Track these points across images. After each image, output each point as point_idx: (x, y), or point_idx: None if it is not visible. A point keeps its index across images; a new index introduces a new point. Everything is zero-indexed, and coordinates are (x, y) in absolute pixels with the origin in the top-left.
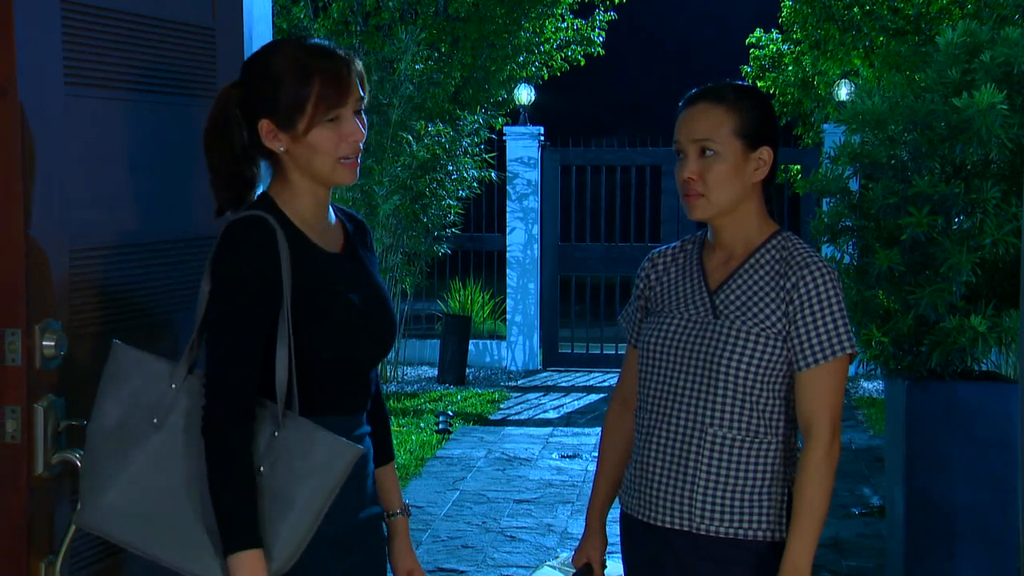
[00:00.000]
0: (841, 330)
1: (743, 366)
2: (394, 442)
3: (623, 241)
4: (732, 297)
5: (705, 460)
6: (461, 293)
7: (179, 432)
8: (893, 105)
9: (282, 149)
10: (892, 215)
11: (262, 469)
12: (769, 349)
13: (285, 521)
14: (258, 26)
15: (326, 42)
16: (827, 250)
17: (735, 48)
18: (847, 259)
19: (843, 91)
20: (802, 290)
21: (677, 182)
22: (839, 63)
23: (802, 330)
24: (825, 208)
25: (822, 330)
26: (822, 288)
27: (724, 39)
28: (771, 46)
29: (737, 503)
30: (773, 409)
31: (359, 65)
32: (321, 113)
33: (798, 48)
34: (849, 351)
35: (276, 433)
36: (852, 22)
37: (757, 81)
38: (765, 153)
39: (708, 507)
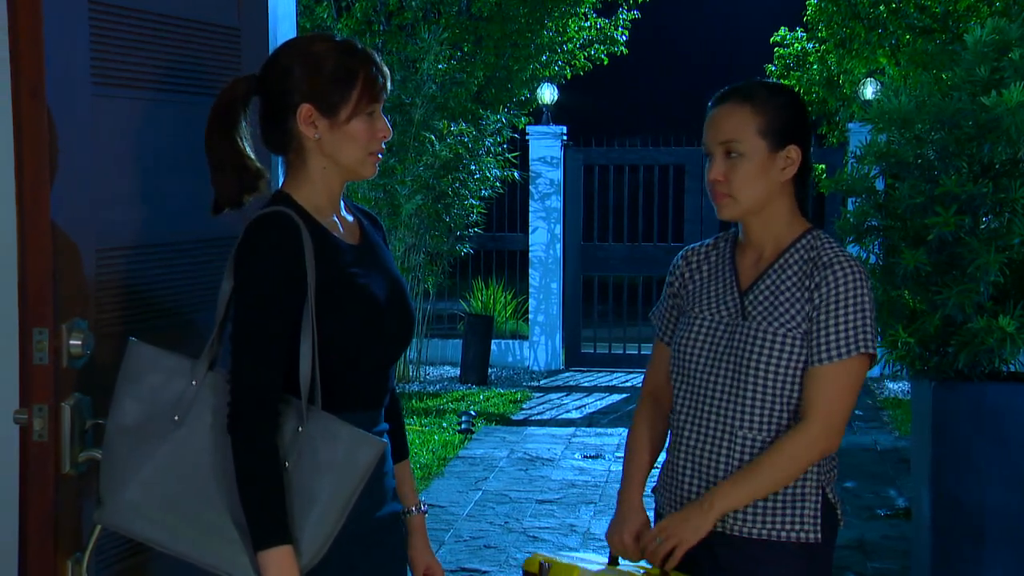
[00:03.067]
0: (859, 329)
1: (771, 369)
2: (417, 442)
3: (646, 241)
4: (761, 298)
5: (736, 463)
6: (483, 293)
7: (204, 429)
8: (920, 104)
9: (317, 136)
10: (919, 215)
11: (287, 465)
12: (796, 351)
13: (311, 516)
14: (282, 26)
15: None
16: (853, 249)
17: (760, 47)
18: (873, 259)
19: (869, 90)
20: (823, 289)
21: (707, 184)
22: (865, 62)
23: (817, 326)
24: (851, 208)
25: (839, 327)
26: (843, 287)
27: (749, 38)
28: (796, 45)
29: (769, 506)
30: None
31: (387, 70)
32: (364, 105)
33: (823, 47)
34: (863, 350)
35: (300, 428)
36: (878, 20)
37: (782, 80)
38: (793, 152)
39: (740, 510)
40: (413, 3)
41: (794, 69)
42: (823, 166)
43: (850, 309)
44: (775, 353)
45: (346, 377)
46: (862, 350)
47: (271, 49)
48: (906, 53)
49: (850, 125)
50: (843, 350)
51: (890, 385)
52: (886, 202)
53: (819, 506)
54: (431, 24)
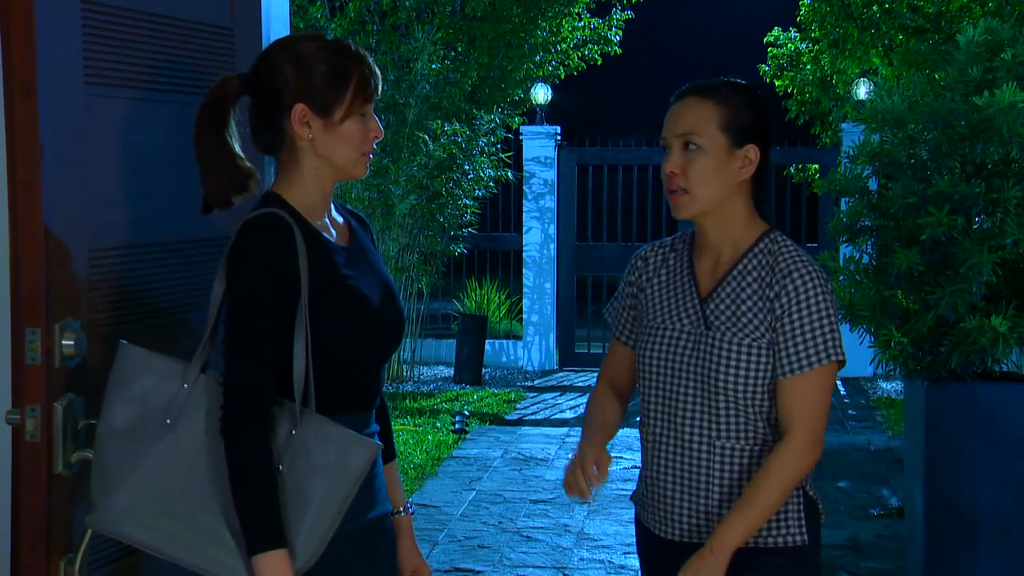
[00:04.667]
0: (826, 337)
1: (740, 379)
2: (411, 442)
3: (640, 240)
4: (722, 307)
5: (717, 472)
6: (477, 293)
7: (196, 432)
8: (913, 104)
9: (310, 136)
10: (912, 215)
11: (281, 467)
12: (763, 360)
13: (305, 519)
14: (276, 26)
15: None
16: (846, 250)
17: (753, 47)
18: (866, 259)
19: (862, 90)
20: (784, 299)
21: (663, 177)
22: (858, 62)
23: (782, 338)
24: (844, 208)
25: (804, 337)
26: (803, 295)
27: (742, 38)
28: (789, 45)
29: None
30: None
31: (378, 71)
32: (358, 105)
33: (816, 47)
34: (833, 359)
35: (293, 431)
36: (871, 20)
37: (775, 80)
38: (752, 152)
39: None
40: (407, 3)
41: (787, 69)
42: (816, 166)
43: (814, 316)
44: (742, 364)
45: (338, 379)
46: (832, 358)
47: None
48: (899, 53)
49: (843, 125)
50: (813, 359)
51: (883, 385)
52: (879, 202)
53: (802, 506)
54: (425, 24)
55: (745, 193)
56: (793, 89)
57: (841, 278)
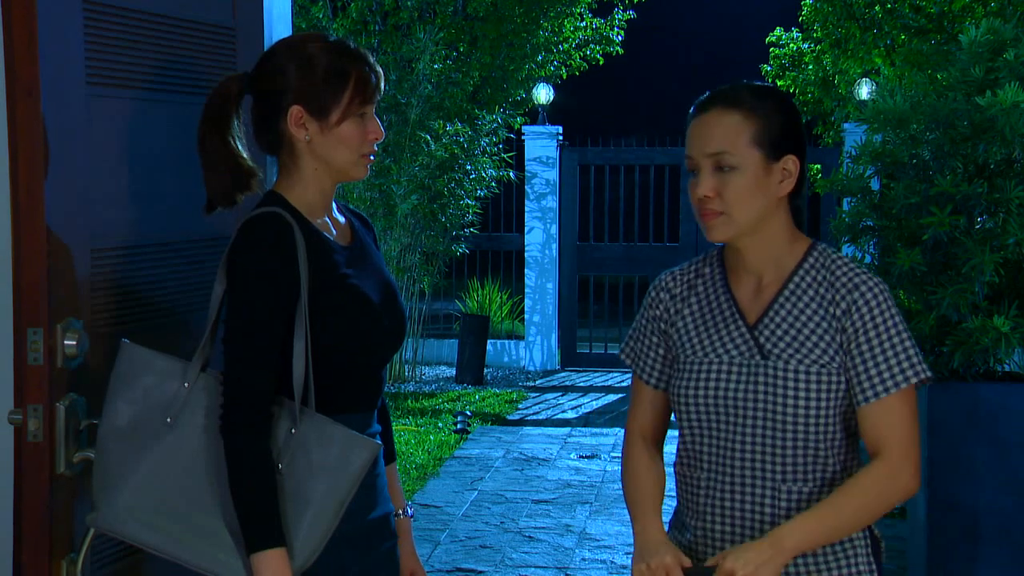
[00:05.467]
0: (908, 353)
1: (812, 410)
2: (413, 442)
3: (642, 241)
4: (779, 332)
5: (784, 522)
6: (479, 293)
7: (196, 431)
8: (915, 104)
9: (307, 138)
10: (914, 215)
11: (280, 467)
12: (834, 387)
13: (305, 517)
14: (278, 26)
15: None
16: (848, 250)
17: (755, 47)
18: (868, 259)
19: (864, 90)
20: (855, 316)
21: (691, 200)
22: (860, 62)
23: (860, 360)
24: (846, 208)
25: (887, 356)
26: (876, 309)
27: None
28: (791, 45)
29: (823, 561)
30: (852, 447)
31: (380, 71)
32: (355, 107)
33: (818, 47)
34: (921, 376)
35: (293, 430)
36: (873, 20)
37: (777, 80)
38: (791, 163)
39: (796, 571)
40: (409, 3)
41: (790, 69)
42: (818, 166)
43: (892, 332)
44: (812, 393)
45: (340, 378)
46: (921, 375)
47: (266, 49)
48: (901, 53)
49: (845, 125)
50: (899, 379)
51: None
52: (881, 202)
53: (868, 544)
54: (427, 24)
55: (785, 208)
56: (795, 89)
57: None
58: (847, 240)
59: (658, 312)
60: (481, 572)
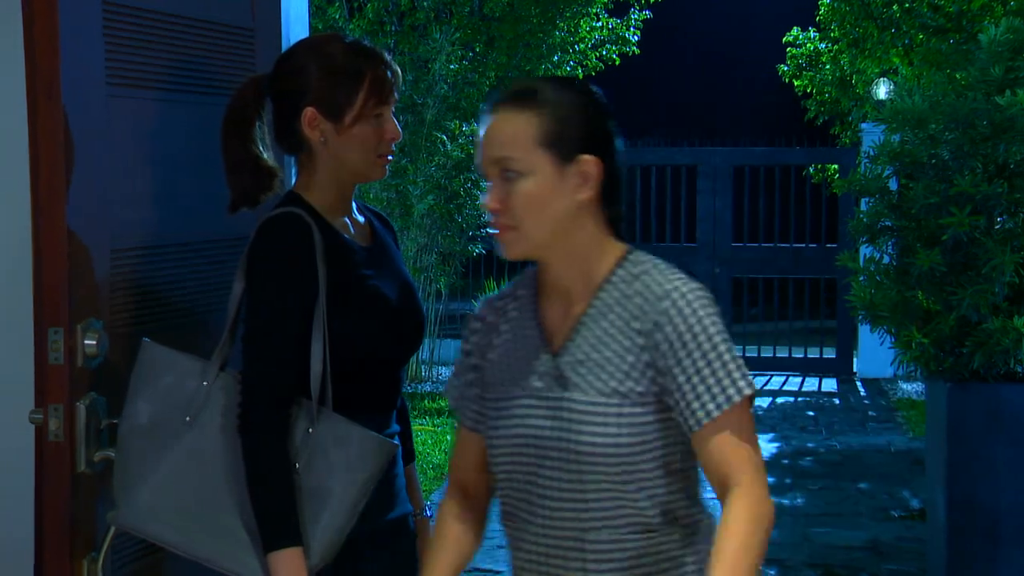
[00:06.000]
0: (730, 368)
1: (610, 448)
2: (429, 442)
3: (659, 241)
4: (582, 358)
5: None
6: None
7: (215, 430)
8: (934, 104)
9: (322, 140)
10: (933, 215)
11: (297, 466)
12: (638, 419)
13: (321, 517)
14: (295, 26)
15: (366, 41)
16: (866, 250)
17: (772, 47)
18: (887, 259)
19: (882, 90)
20: (667, 330)
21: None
22: (878, 61)
23: (680, 381)
24: (864, 208)
25: (702, 377)
26: (690, 321)
27: (761, 38)
28: (808, 44)
29: None
30: (674, 487)
31: (398, 69)
32: (370, 108)
33: (836, 46)
34: (747, 392)
35: (311, 430)
36: (891, 20)
37: (794, 80)
38: (588, 165)
39: None
40: (425, 3)
41: (807, 69)
42: (835, 166)
43: (707, 348)
44: (610, 428)
45: (358, 378)
46: (745, 391)
47: (283, 50)
48: (919, 53)
49: (863, 125)
50: (720, 400)
51: (904, 386)
52: (900, 202)
53: None
54: (443, 24)
55: (591, 214)
56: (812, 89)
57: (861, 279)
58: (865, 240)
59: (468, 347)
60: (499, 572)
